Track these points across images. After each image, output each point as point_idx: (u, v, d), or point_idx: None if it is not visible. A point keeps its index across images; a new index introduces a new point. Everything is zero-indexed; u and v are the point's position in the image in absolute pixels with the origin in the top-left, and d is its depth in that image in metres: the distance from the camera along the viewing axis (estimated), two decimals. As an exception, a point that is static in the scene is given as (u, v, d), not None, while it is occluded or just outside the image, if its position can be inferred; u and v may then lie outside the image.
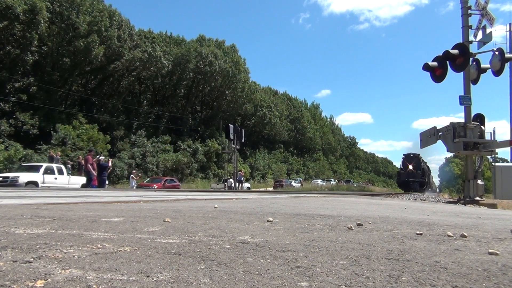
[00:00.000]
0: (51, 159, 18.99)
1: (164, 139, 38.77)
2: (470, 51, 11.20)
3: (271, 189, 35.55)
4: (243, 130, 24.92)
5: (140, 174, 28.62)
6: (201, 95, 48.98)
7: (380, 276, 1.38)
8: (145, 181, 26.07)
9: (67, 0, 30.12)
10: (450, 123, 11.31)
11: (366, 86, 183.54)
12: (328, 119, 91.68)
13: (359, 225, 2.86)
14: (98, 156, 17.18)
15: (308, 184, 44.98)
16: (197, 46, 44.09)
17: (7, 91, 27.01)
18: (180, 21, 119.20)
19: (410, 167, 32.85)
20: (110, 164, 18.51)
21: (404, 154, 35.73)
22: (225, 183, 30.85)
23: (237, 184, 25.93)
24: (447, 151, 11.68)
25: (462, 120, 11.40)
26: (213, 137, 44.39)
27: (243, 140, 24.57)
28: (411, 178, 32.47)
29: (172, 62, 40.57)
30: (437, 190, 53.92)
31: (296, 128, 67.21)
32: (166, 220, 2.76)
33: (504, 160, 38.43)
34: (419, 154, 33.78)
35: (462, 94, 11.31)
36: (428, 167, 41.66)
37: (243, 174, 31.48)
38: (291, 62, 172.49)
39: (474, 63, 11.57)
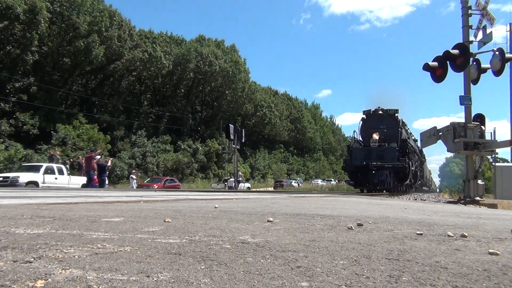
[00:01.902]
0: (51, 159, 19.02)
1: (164, 139, 38.81)
2: (471, 51, 11.17)
3: (271, 189, 35.54)
4: (243, 130, 24.88)
5: (140, 174, 28.64)
6: (201, 95, 49.01)
7: (380, 276, 1.38)
8: (145, 181, 26.10)
9: (67, 0, 30.16)
10: (451, 123, 11.29)
11: (367, 86, 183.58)
12: (329, 119, 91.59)
13: (359, 225, 2.85)
14: (98, 157, 17.17)
15: (308, 184, 44.96)
16: (197, 46, 44.09)
17: (7, 91, 27.06)
18: (180, 21, 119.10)
19: (375, 136, 15.99)
20: (109, 163, 18.50)
21: (364, 111, 17.41)
22: (225, 183, 30.84)
23: (236, 184, 25.95)
24: (447, 151, 11.66)
25: (463, 120, 11.40)
26: (213, 137, 44.42)
27: (243, 140, 24.51)
28: (374, 160, 15.40)
29: (172, 62, 40.59)
30: (437, 190, 53.89)
31: (296, 128, 67.15)
32: (166, 220, 2.76)
33: (504, 160, 38.13)
34: (395, 112, 16.97)
35: (463, 94, 11.30)
36: (419, 148, 22.41)
37: (242, 175, 31.52)
38: (292, 62, 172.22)
39: (474, 63, 11.55)
